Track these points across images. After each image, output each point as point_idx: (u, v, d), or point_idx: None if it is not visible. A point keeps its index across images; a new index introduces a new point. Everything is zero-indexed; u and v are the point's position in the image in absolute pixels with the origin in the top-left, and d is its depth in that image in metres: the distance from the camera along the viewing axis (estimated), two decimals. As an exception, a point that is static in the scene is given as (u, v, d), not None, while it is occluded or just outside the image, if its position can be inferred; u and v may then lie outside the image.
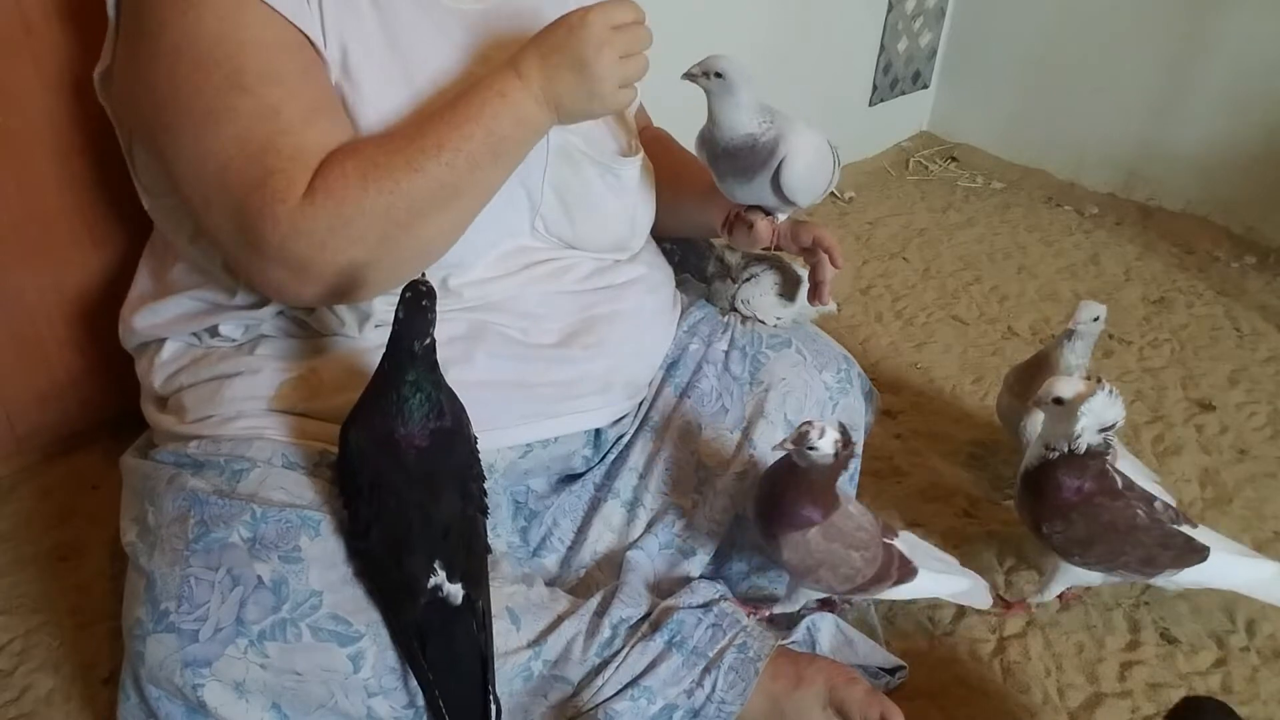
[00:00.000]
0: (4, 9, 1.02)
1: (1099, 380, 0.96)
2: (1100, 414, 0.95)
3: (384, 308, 0.90)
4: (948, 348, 1.64)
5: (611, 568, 1.02)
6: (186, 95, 0.80)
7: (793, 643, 0.97)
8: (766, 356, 1.10)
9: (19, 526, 1.17)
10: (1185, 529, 1.01)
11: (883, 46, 2.19)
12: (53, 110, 1.09)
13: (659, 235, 1.16)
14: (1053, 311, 1.75)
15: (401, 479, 0.80)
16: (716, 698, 0.89)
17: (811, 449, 0.85)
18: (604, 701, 0.87)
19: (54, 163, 1.12)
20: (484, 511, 0.86)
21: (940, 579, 1.02)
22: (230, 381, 0.92)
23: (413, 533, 0.80)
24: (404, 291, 0.78)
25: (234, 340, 0.97)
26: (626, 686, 0.88)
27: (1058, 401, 0.97)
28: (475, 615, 0.83)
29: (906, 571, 0.98)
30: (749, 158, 0.95)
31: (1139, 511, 0.99)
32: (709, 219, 1.09)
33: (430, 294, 0.77)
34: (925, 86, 2.38)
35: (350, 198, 0.78)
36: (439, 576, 0.81)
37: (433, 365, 0.80)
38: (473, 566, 0.84)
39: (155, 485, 0.87)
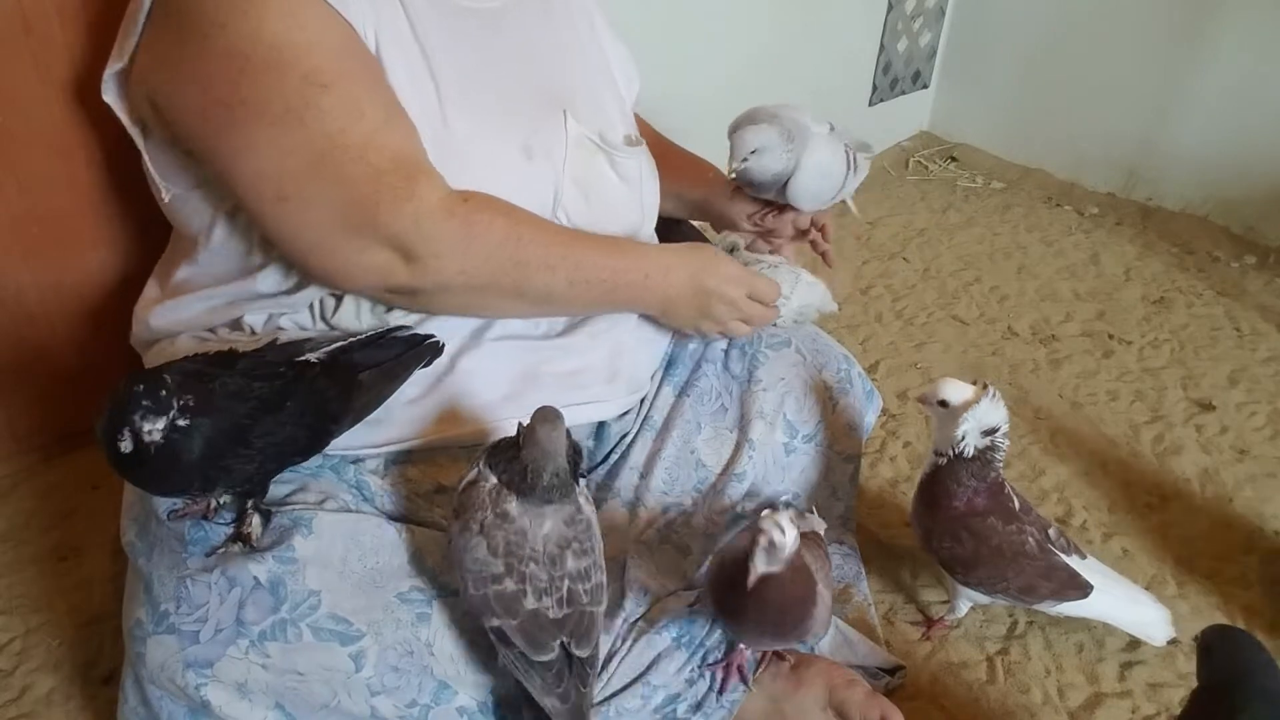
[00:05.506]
0: (4, 9, 1.02)
1: (984, 385, 0.97)
2: (981, 418, 0.96)
3: (400, 312, 0.92)
4: (948, 348, 1.64)
5: (612, 567, 1.02)
6: (261, 95, 0.80)
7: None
8: (766, 356, 1.11)
9: (19, 526, 1.17)
10: (1073, 560, 1.00)
11: (883, 46, 2.19)
12: (53, 110, 1.09)
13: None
14: (1053, 311, 1.75)
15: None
16: (718, 687, 0.90)
17: (774, 545, 0.80)
18: (612, 696, 0.88)
19: (54, 163, 1.12)
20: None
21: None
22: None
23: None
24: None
25: (254, 333, 0.96)
26: (633, 682, 0.89)
27: (943, 404, 0.97)
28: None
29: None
30: (768, 189, 1.11)
31: (1029, 539, 0.99)
32: (698, 199, 1.21)
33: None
34: (925, 86, 2.38)
35: (482, 244, 0.85)
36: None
37: None
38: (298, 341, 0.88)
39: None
